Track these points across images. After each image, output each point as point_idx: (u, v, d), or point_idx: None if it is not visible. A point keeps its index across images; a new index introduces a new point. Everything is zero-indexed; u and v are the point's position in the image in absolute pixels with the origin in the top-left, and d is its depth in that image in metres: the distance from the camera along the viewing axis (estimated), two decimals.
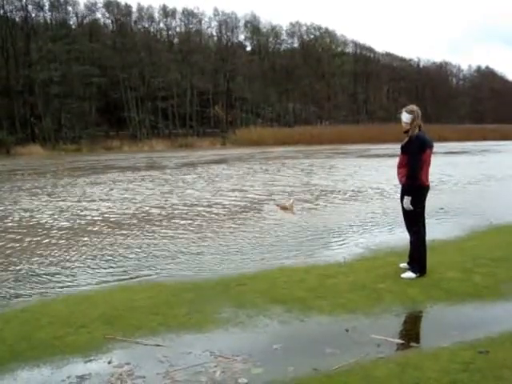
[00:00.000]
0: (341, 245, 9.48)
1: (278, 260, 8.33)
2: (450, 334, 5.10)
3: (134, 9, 76.24)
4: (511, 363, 4.37)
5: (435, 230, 10.58)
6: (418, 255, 7.04)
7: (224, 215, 12.87)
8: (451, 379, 4.08)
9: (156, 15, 78.34)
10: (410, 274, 6.96)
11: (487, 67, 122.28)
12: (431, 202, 13.20)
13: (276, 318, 5.61)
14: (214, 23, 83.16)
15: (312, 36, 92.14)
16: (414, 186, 6.75)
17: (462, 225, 11.26)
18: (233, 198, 16.13)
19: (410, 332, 5.40)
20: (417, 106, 6.99)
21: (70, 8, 71.55)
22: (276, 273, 7.39)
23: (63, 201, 16.48)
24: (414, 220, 6.97)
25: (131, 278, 7.50)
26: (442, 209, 13.46)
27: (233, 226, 11.43)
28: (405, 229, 7.24)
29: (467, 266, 7.50)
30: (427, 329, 5.47)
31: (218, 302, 6.11)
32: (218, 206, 14.63)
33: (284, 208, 13.92)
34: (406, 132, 6.87)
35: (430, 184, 7.04)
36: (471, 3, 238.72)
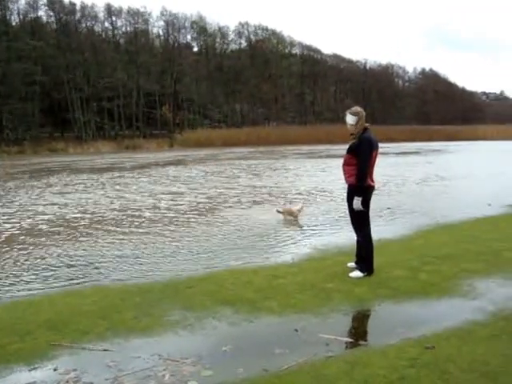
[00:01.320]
0: (289, 245, 9.50)
1: (226, 262, 8.29)
2: (398, 331, 5.18)
3: (78, 7, 74.73)
4: (456, 357, 4.48)
5: (382, 229, 10.77)
6: (365, 255, 7.14)
7: (172, 218, 12.72)
8: (399, 375, 4.14)
9: (101, 14, 77.18)
10: (357, 273, 7.06)
11: (431, 70, 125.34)
12: (379, 201, 13.51)
13: (225, 319, 5.58)
14: (161, 23, 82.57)
15: (259, 37, 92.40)
16: (363, 186, 6.84)
17: (408, 224, 11.46)
18: (180, 201, 15.99)
19: (359, 330, 5.45)
20: (361, 108, 7.11)
21: (10, 5, 69.49)
22: (224, 274, 7.36)
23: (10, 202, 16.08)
24: (362, 220, 7.07)
25: (78, 284, 7.33)
26: (389, 208, 13.69)
27: (180, 229, 11.29)
28: (352, 228, 7.34)
29: (413, 264, 7.65)
30: (375, 327, 5.53)
31: (167, 305, 6.05)
32: (165, 209, 14.46)
33: (290, 213, 12.07)
34: (352, 134, 6.96)
35: (377, 184, 7.17)
36: (417, 7, 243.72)
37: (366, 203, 6.96)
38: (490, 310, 5.78)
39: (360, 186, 6.82)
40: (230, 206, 14.50)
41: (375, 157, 6.94)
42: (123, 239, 10.21)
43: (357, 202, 6.85)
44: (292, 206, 12.67)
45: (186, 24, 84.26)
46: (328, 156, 38.66)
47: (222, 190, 18.33)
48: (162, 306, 6.04)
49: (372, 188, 7.04)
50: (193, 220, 12.31)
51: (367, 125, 7.00)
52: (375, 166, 7.05)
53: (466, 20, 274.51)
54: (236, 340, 5.05)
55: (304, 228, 11.16)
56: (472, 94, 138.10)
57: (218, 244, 9.63)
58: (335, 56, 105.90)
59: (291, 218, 11.96)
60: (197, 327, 5.38)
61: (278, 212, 12.28)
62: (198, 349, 4.86)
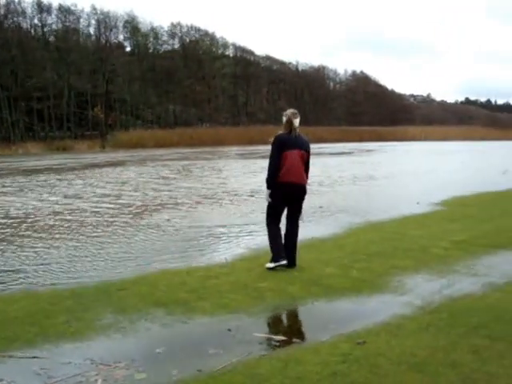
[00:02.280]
0: (223, 245, 9.51)
1: (159, 263, 8.20)
2: (330, 327, 5.26)
3: (3, 2, 71.78)
4: (385, 351, 4.59)
5: (314, 228, 10.95)
6: (270, 246, 7.51)
7: (104, 221, 12.51)
8: (331, 371, 4.21)
9: (29, 10, 74.81)
10: (268, 264, 7.40)
11: (362, 72, 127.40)
12: (311, 201, 13.69)
13: (158, 321, 5.54)
14: (93, 22, 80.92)
15: (192, 38, 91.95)
16: (271, 182, 7.35)
17: (339, 222, 11.67)
18: (113, 204, 15.75)
19: (292, 328, 5.50)
20: (293, 110, 7.52)
21: None
22: (157, 276, 7.29)
23: None
24: (268, 213, 7.62)
25: (3, 290, 7.08)
26: (321, 207, 13.89)
27: (113, 232, 11.11)
28: (283, 227, 7.54)
29: (345, 261, 7.81)
30: (308, 324, 5.60)
31: (99, 309, 5.93)
32: (97, 212, 14.21)
33: None
34: None
35: (307, 184, 7.50)
36: (347, 11, 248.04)
37: (278, 199, 7.42)
38: (418, 304, 5.97)
39: (267, 181, 7.41)
40: (165, 208, 14.40)
41: (294, 156, 7.26)
42: (54, 244, 9.93)
43: (265, 195, 7.53)
44: None
45: (118, 23, 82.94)
46: (261, 157, 38.86)
47: (155, 192, 18.17)
48: (93, 309, 5.92)
49: (288, 186, 7.33)
50: (126, 223, 12.14)
51: (296, 126, 7.34)
52: (302, 165, 7.36)
53: (392, 25, 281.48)
54: (169, 341, 5.02)
55: (237, 228, 11.19)
56: (401, 96, 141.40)
57: (151, 246, 9.54)
58: (268, 57, 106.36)
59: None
60: (130, 330, 5.31)
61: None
62: (131, 352, 4.80)
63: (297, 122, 7.38)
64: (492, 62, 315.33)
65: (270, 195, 7.42)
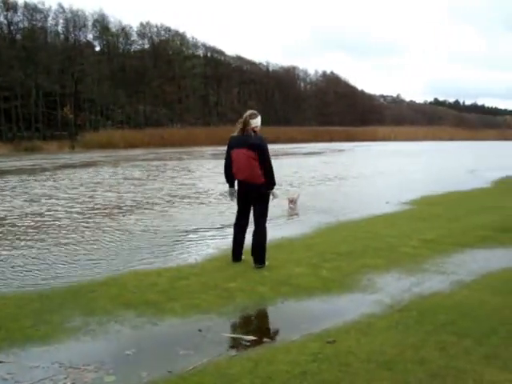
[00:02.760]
0: (193, 246, 9.47)
1: (129, 265, 8.13)
2: (300, 327, 5.29)
3: None
4: (355, 349, 4.63)
5: (284, 227, 11.00)
6: None
7: (74, 223, 12.37)
8: (301, 370, 4.23)
9: None
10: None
11: (332, 72, 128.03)
12: (283, 201, 13.72)
13: (128, 323, 5.50)
14: (61, 20, 79.81)
15: (163, 38, 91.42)
16: (227, 180, 7.93)
17: (310, 222, 11.74)
18: (84, 205, 15.60)
19: (262, 328, 5.52)
20: (252, 111, 7.84)
21: None
22: (127, 277, 7.24)
23: None
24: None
25: None
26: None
27: (82, 233, 10.98)
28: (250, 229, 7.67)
29: (314, 261, 7.87)
30: (278, 324, 5.62)
31: (68, 311, 5.86)
32: (68, 213, 14.07)
33: (292, 202, 13.91)
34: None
35: (264, 183, 7.59)
36: (316, 11, 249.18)
37: (238, 196, 7.90)
38: (388, 302, 6.04)
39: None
40: (136, 209, 14.30)
41: (244, 155, 7.52)
42: (21, 246, 9.77)
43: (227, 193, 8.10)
44: (291, 195, 14.40)
45: (87, 22, 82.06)
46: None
47: (126, 194, 18.03)
48: (62, 312, 5.85)
49: (240, 184, 7.77)
50: (97, 224, 12.01)
51: (252, 126, 7.58)
52: (250, 164, 7.52)
53: (361, 26, 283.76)
54: (140, 343, 4.99)
55: (207, 228, 11.17)
56: (371, 97, 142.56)
57: (121, 247, 9.46)
58: (238, 58, 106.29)
59: (292, 206, 13.79)
60: (99, 332, 5.26)
61: (289, 200, 13.96)
62: (100, 354, 4.75)
63: (254, 122, 7.55)
64: (459, 62, 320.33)
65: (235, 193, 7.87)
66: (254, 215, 7.79)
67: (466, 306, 5.86)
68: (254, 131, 7.58)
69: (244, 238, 7.92)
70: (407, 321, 5.36)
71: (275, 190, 7.76)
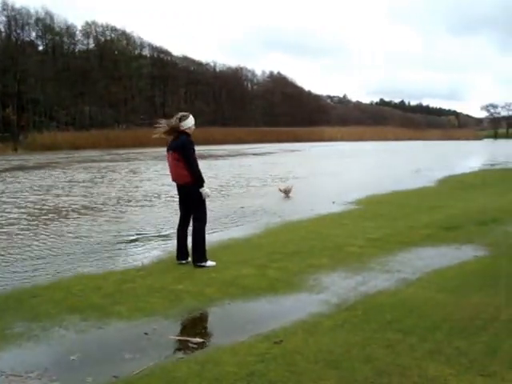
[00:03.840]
0: (139, 248, 9.37)
1: (74, 268, 7.97)
2: (247, 328, 5.29)
3: None
4: (303, 349, 4.64)
5: (232, 229, 11.01)
6: None
7: (17, 227, 12.07)
8: (249, 371, 4.22)
9: None
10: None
11: (279, 73, 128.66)
12: (231, 202, 13.75)
13: (72, 327, 5.39)
14: (2, 18, 77.76)
15: (108, 37, 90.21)
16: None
17: (258, 222, 11.79)
18: (26, 209, 15.25)
19: (209, 330, 5.48)
20: (182, 113, 7.89)
21: None
22: (72, 281, 7.10)
23: None
24: None
25: None
26: (242, 207, 14.00)
27: (26, 237, 10.73)
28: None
29: (262, 261, 7.90)
30: (225, 325, 5.57)
31: (9, 317, 5.70)
32: (10, 218, 13.73)
33: (286, 192, 16.75)
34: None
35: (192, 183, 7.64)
36: (264, 13, 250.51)
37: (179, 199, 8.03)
38: (334, 301, 6.09)
39: None
40: (82, 212, 14.06)
41: (171, 157, 7.72)
42: None
43: None
44: (286, 185, 17.39)
45: (30, 21, 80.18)
46: None
47: (70, 197, 17.73)
48: (3, 318, 5.69)
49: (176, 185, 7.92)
50: (41, 228, 11.77)
51: (184, 128, 7.71)
52: (176, 166, 7.68)
53: (308, 27, 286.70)
54: (84, 348, 4.89)
55: (154, 230, 11.07)
56: (317, 97, 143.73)
57: (66, 251, 9.26)
58: (185, 58, 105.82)
59: (286, 195, 16.63)
60: (42, 338, 5.14)
61: (280, 190, 16.93)
62: (43, 361, 4.64)
63: (185, 124, 7.64)
64: (403, 63, 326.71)
65: None
66: (192, 215, 7.86)
67: (410, 303, 5.96)
68: (187, 133, 7.64)
69: (186, 238, 7.93)
70: (353, 320, 5.41)
71: (205, 189, 7.72)
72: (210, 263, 7.72)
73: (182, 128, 7.62)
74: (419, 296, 6.25)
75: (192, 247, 7.80)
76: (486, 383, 4.01)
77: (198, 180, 7.59)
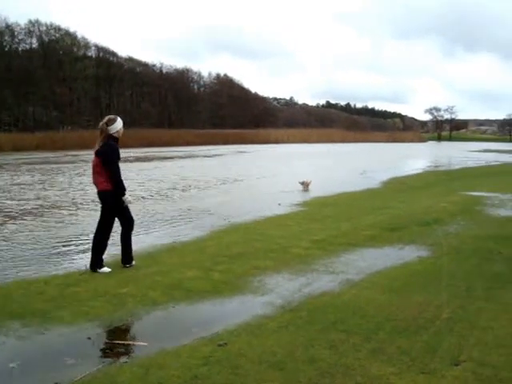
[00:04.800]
0: (82, 253, 9.20)
1: (14, 273, 7.78)
2: (191, 331, 5.28)
3: None
4: (247, 351, 4.67)
5: (177, 231, 10.95)
6: None
7: None
8: (192, 374, 4.21)
9: None
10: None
11: (226, 75, 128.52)
12: (178, 204, 13.66)
13: (13, 333, 5.26)
14: None
15: (52, 37, 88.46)
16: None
17: (202, 225, 11.75)
18: None
19: (153, 334, 5.39)
20: (109, 116, 7.76)
21: None
22: (12, 286, 6.93)
23: None
24: None
25: None
26: (189, 209, 13.98)
27: None
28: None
29: (206, 264, 7.89)
30: (170, 329, 5.53)
31: None
32: None
33: (306, 185, 19.67)
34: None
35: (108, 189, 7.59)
36: (209, 14, 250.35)
37: None
38: (279, 303, 6.13)
39: None
40: (23, 216, 13.73)
41: (93, 162, 7.71)
42: None
43: None
44: (306, 180, 19.95)
45: None
46: (123, 160, 38.15)
47: (10, 200, 17.29)
48: None
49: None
50: None
51: (111, 132, 7.61)
52: (96, 171, 7.66)
53: (255, 29, 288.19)
54: (25, 354, 4.79)
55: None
56: (264, 99, 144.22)
57: (6, 255, 9.04)
58: (131, 59, 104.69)
59: (305, 188, 19.46)
60: None
61: (300, 183, 19.83)
62: None
63: (112, 128, 7.55)
64: (349, 67, 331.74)
65: None
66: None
67: (354, 304, 6.04)
68: (114, 137, 7.55)
69: (103, 246, 7.76)
70: (298, 321, 5.46)
71: (128, 196, 7.67)
72: (104, 269, 7.57)
73: (109, 132, 7.50)
74: (363, 297, 6.35)
75: (121, 250, 7.83)
76: (426, 381, 4.10)
77: (119, 188, 7.50)
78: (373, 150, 70.04)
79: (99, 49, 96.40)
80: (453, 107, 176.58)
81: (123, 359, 4.66)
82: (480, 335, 5.06)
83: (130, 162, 36.27)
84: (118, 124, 7.60)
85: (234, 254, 8.58)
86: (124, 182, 7.70)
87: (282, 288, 6.77)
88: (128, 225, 7.82)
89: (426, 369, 4.30)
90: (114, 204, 7.58)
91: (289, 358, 4.50)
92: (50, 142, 62.60)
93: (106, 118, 7.61)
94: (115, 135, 7.58)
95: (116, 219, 7.79)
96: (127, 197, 7.64)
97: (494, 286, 6.85)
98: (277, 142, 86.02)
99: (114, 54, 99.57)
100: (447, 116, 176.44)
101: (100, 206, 7.86)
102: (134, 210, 13.88)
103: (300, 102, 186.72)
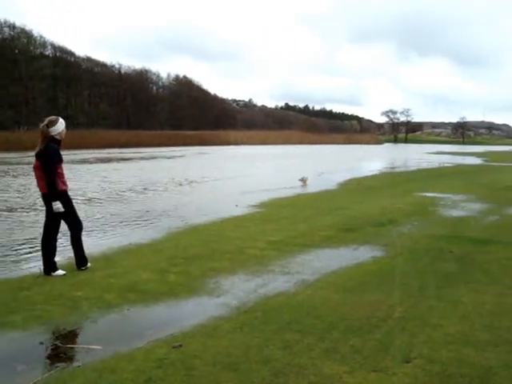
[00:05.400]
0: (36, 256, 8.99)
1: None
2: (146, 333, 5.25)
3: None
4: (201, 353, 4.67)
5: (134, 233, 10.89)
6: None
7: None
8: (146, 377, 4.20)
9: None
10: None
11: (185, 76, 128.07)
12: (133, 206, 13.56)
13: None
14: None
15: (7, 35, 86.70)
16: None
17: (159, 227, 11.71)
18: None
19: (108, 337, 5.33)
20: (47, 119, 7.49)
21: None
22: None
23: None
24: None
25: None
26: (147, 211, 13.91)
27: None
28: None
29: (162, 266, 7.85)
30: (124, 331, 5.48)
31: None
32: None
33: (304, 181, 22.75)
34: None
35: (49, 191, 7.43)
36: (166, 17, 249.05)
37: None
38: (234, 304, 6.15)
39: None
40: None
41: (35, 166, 7.56)
42: None
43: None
44: (304, 177, 23.13)
45: None
46: (82, 161, 37.69)
47: None
48: None
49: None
50: None
51: (52, 134, 7.40)
52: (37, 174, 7.57)
53: (214, 32, 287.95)
54: None
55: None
56: (223, 101, 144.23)
57: None
58: (89, 59, 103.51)
59: (304, 184, 22.39)
60: None
61: (300, 180, 22.90)
62: None
63: (53, 129, 7.36)
64: (307, 69, 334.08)
65: None
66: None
67: (309, 304, 6.10)
68: (56, 140, 7.40)
69: (53, 249, 7.61)
70: (253, 322, 5.48)
71: (58, 203, 7.37)
72: (58, 272, 7.47)
73: (50, 134, 7.32)
74: (318, 297, 6.41)
75: (73, 253, 7.74)
76: (378, 378, 4.18)
77: (52, 191, 7.33)
78: (330, 151, 70.63)
79: (56, 48, 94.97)
80: (408, 110, 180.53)
81: (76, 364, 4.59)
82: (430, 333, 5.17)
83: (90, 163, 35.89)
84: (60, 126, 7.42)
85: (191, 255, 8.56)
86: (68, 183, 7.69)
87: (238, 289, 6.79)
88: (75, 228, 7.69)
89: (378, 367, 4.37)
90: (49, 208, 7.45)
91: (243, 359, 4.52)
92: (4, 142, 61.48)
93: (47, 120, 7.39)
94: (57, 137, 7.39)
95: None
96: (58, 205, 7.35)
97: (445, 284, 7.01)
98: (236, 143, 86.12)
99: (71, 54, 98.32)
100: (403, 118, 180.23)
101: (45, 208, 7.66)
102: (92, 211, 13.90)
103: (259, 103, 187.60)
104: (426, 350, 4.73)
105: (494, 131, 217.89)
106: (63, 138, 7.54)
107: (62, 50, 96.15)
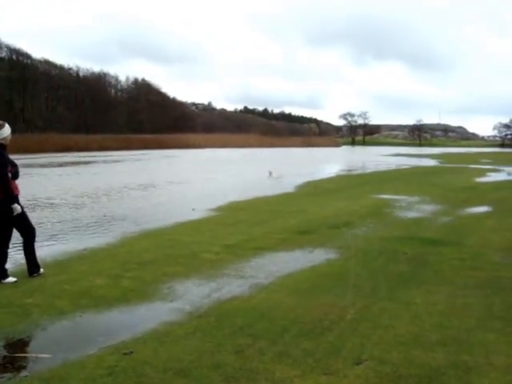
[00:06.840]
0: None
1: None
2: (98, 340, 5.19)
3: None
4: (152, 359, 4.65)
5: (88, 238, 10.77)
6: None
7: None
8: None
9: None
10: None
11: (143, 80, 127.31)
12: (88, 211, 13.39)
13: None
14: None
15: None
16: None
17: (114, 232, 11.62)
18: None
19: (58, 344, 5.23)
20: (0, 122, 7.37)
21: None
22: None
23: None
24: None
25: None
26: (104, 216, 13.79)
27: None
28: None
29: (116, 271, 7.79)
30: (75, 338, 5.39)
31: None
32: None
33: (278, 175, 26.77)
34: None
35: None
36: (125, 19, 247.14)
37: None
38: (187, 309, 6.13)
39: None
40: None
41: None
42: None
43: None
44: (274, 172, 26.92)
45: None
46: (37, 165, 37.11)
47: None
48: None
49: None
50: None
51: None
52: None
53: (170, 35, 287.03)
54: None
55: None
56: (182, 104, 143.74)
57: None
58: (46, 62, 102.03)
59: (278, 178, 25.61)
60: None
61: (269, 172, 27.15)
62: None
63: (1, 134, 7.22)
64: (265, 72, 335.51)
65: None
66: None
67: (262, 308, 6.11)
68: (1, 144, 7.24)
69: (5, 253, 7.49)
70: (205, 327, 5.47)
71: (16, 205, 7.32)
72: (8, 280, 7.33)
73: None
74: (271, 300, 6.43)
75: (25, 260, 7.62)
76: (329, 381, 4.22)
77: (7, 196, 7.21)
78: (289, 154, 70.93)
79: (12, 50, 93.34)
80: (366, 113, 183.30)
81: (23, 373, 4.51)
82: (382, 334, 5.24)
83: (45, 167, 35.36)
84: (6, 130, 7.27)
85: (145, 260, 8.50)
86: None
87: (192, 294, 6.76)
88: (29, 234, 7.57)
89: (329, 369, 4.41)
90: (6, 213, 7.29)
91: (194, 365, 4.51)
92: None
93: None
94: (2, 142, 7.23)
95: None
96: (17, 206, 7.29)
97: (397, 285, 7.11)
98: (196, 146, 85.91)
99: (28, 56, 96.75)
100: (361, 121, 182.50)
101: None
102: (47, 217, 13.69)
103: (218, 107, 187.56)
104: (377, 351, 4.80)
105: (450, 133, 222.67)
106: (8, 143, 7.34)
107: (18, 53, 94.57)
